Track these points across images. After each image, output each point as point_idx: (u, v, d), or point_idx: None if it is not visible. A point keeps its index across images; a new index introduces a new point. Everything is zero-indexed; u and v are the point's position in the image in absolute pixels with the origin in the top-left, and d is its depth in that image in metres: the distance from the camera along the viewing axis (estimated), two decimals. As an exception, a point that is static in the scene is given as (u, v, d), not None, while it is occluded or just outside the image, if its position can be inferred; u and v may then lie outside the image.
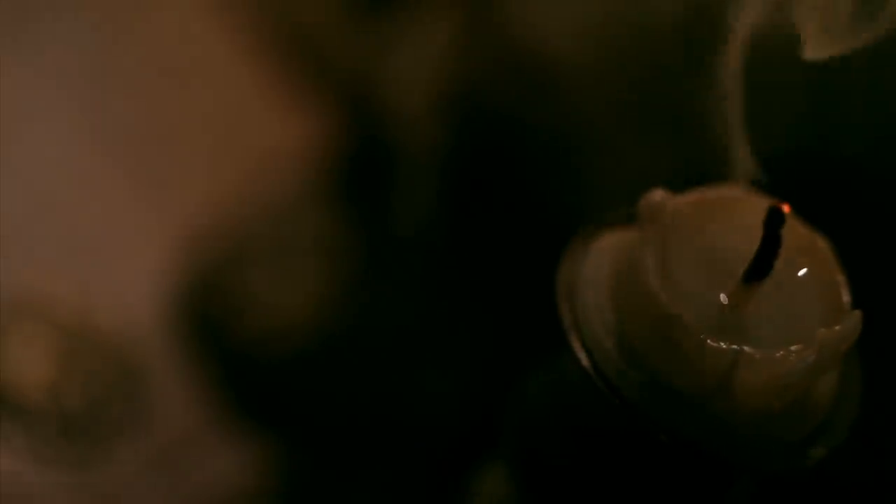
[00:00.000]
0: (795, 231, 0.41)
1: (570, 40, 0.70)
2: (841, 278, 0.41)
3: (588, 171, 0.70)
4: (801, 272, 0.41)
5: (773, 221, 0.40)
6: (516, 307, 0.72)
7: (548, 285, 0.42)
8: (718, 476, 0.43)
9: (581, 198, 0.70)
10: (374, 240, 0.83)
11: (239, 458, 0.77)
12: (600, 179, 0.70)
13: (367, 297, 0.81)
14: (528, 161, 0.74)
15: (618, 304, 0.41)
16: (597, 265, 0.42)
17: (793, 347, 0.39)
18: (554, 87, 0.71)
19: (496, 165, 0.75)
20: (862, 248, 0.44)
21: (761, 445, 0.40)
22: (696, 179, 0.42)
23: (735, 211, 0.42)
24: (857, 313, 0.39)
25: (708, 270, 0.41)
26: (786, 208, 0.40)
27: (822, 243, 0.42)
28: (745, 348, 0.39)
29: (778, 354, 0.39)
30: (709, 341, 0.39)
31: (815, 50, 0.41)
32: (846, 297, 0.41)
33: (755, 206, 0.41)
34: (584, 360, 0.40)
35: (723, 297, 0.40)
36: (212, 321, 0.81)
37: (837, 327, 0.39)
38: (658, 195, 0.40)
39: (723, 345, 0.39)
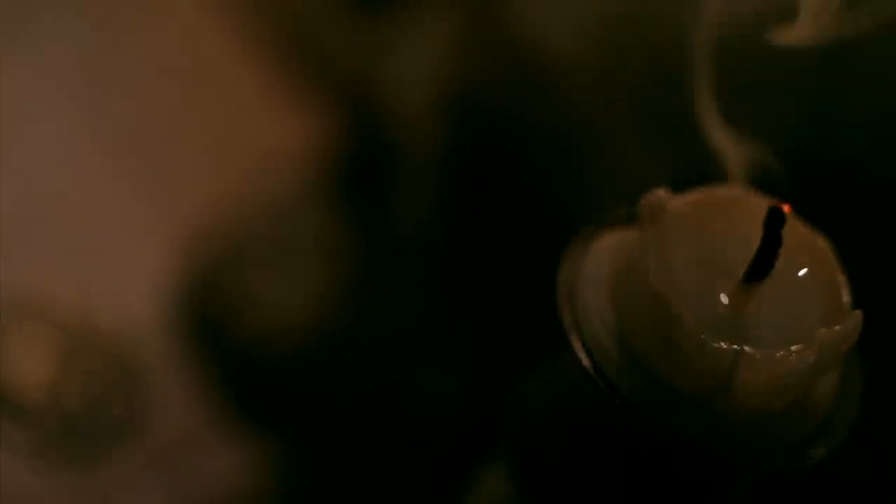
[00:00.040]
0: (795, 231, 0.41)
1: (570, 40, 0.70)
2: (841, 278, 0.41)
3: (588, 171, 0.71)
4: (802, 272, 0.41)
5: (773, 221, 0.40)
6: (516, 307, 0.72)
7: (548, 285, 0.41)
8: (718, 476, 0.43)
9: (581, 198, 0.71)
10: (374, 240, 0.83)
11: (239, 458, 0.77)
12: (600, 179, 0.70)
13: (367, 297, 0.81)
14: (528, 161, 0.74)
15: (618, 304, 0.41)
16: (597, 265, 0.42)
17: (793, 347, 0.39)
18: (554, 87, 0.71)
19: (496, 165, 0.75)
20: (862, 248, 0.44)
21: (761, 445, 0.40)
22: (696, 179, 0.42)
23: (735, 211, 0.42)
24: (858, 313, 0.39)
25: (708, 270, 0.41)
26: (786, 208, 0.40)
27: (822, 243, 0.41)
28: (746, 348, 0.39)
29: (778, 354, 0.39)
30: (709, 341, 0.39)
31: (804, 36, 0.41)
32: (846, 297, 0.41)
33: (755, 206, 0.41)
34: (585, 360, 0.40)
35: (723, 297, 0.40)
36: (212, 321, 0.81)
37: (838, 327, 0.39)
38: (658, 195, 0.40)
39: (723, 345, 0.39)
